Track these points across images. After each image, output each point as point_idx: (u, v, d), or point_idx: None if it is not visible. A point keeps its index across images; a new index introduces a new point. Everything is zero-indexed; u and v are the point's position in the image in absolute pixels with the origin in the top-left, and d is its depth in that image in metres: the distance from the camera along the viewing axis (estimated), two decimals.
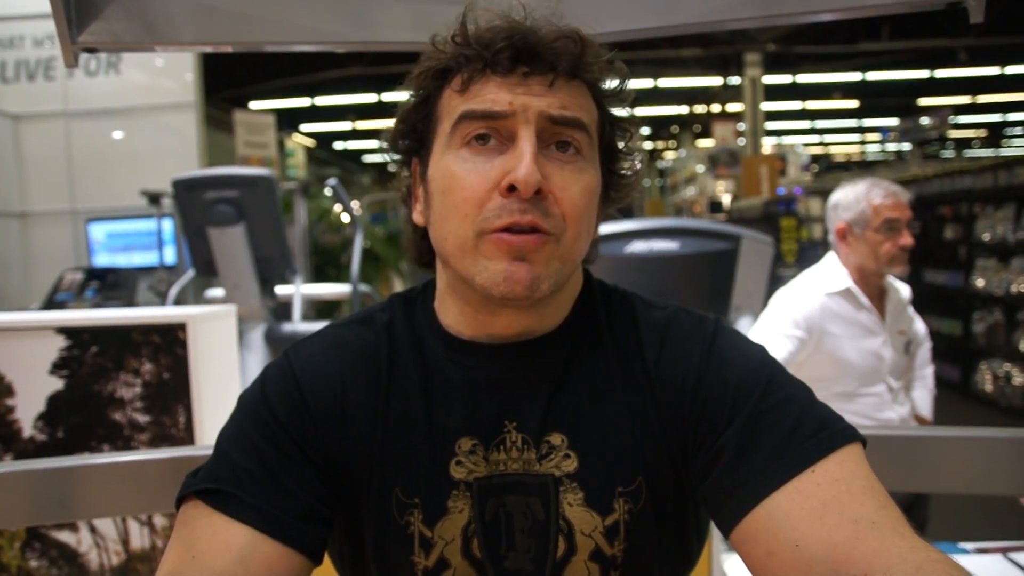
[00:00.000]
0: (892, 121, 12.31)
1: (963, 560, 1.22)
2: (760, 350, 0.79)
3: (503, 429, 0.76)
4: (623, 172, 0.82)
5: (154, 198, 4.33)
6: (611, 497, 0.75)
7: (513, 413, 0.77)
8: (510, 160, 0.69)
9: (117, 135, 5.50)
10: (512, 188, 0.68)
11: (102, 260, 4.87)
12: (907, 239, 2.15)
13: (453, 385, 0.78)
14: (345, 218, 5.92)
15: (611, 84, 0.78)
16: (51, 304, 4.23)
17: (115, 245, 4.92)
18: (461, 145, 0.72)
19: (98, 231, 4.93)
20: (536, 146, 0.70)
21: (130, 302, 4.34)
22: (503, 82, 0.71)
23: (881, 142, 16.40)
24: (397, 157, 0.82)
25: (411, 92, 0.78)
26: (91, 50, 1.01)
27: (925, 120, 9.80)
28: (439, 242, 0.75)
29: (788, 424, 0.70)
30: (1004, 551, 1.27)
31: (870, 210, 2.15)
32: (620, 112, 0.79)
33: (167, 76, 5.50)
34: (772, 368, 0.76)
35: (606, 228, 2.14)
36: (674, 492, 0.77)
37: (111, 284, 4.37)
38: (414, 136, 0.78)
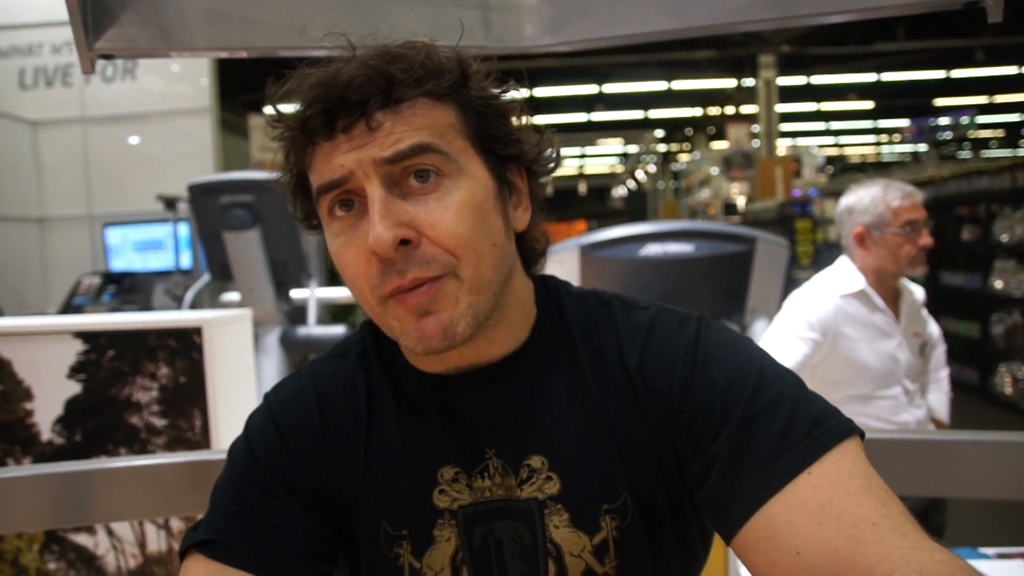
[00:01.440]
0: (907, 122, 12.24)
1: (984, 565, 1.21)
2: (747, 344, 0.76)
3: (484, 456, 0.76)
4: (521, 151, 0.75)
5: (170, 202, 4.36)
6: (597, 515, 0.74)
7: (491, 439, 0.76)
8: (369, 224, 0.66)
9: (134, 140, 5.54)
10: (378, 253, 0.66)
11: (119, 264, 4.91)
12: (927, 239, 2.14)
13: (428, 416, 0.77)
14: None
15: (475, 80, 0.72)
16: (69, 308, 4.26)
17: (132, 249, 4.96)
18: (330, 220, 0.70)
19: (115, 235, 4.96)
20: (385, 198, 0.66)
21: (147, 306, 4.37)
22: (331, 146, 0.68)
23: (902, 142, 16.27)
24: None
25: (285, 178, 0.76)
26: (108, 56, 1.02)
27: (944, 120, 9.72)
28: (364, 309, 0.74)
29: (780, 424, 0.67)
30: None
31: (889, 212, 2.13)
32: (489, 92, 0.73)
33: (183, 81, 5.54)
34: (760, 364, 0.72)
35: (621, 231, 2.14)
36: (667, 500, 0.75)
37: (128, 288, 4.40)
38: (311, 216, 0.76)
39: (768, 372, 0.72)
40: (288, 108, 0.72)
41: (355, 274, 0.69)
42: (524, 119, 0.76)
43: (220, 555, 0.71)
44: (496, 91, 0.74)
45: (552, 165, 0.80)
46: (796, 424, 0.67)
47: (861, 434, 0.69)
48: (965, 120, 9.61)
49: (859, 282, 2.17)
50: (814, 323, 2.12)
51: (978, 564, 1.21)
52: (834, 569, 0.61)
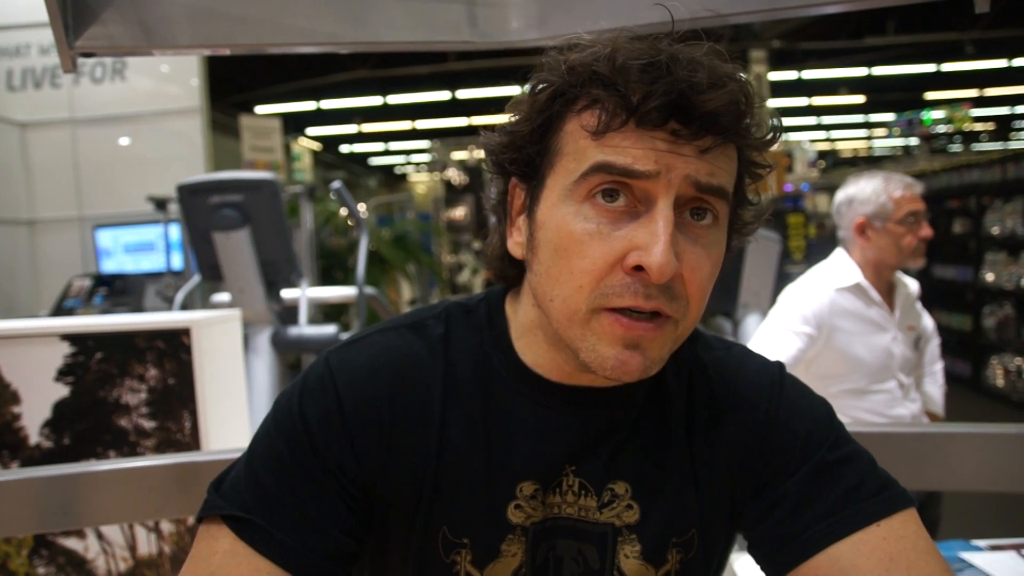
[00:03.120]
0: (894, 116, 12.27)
1: (976, 557, 1.21)
2: (824, 402, 0.78)
3: (562, 472, 0.73)
4: (747, 226, 0.73)
5: (161, 204, 4.33)
6: (666, 548, 0.74)
7: (576, 457, 0.73)
8: (641, 233, 0.61)
9: (124, 141, 5.51)
10: (639, 268, 0.61)
11: (110, 266, 4.88)
12: (927, 230, 2.14)
13: (520, 422, 0.72)
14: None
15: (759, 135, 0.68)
16: (60, 311, 4.24)
17: (123, 251, 4.93)
18: (585, 198, 0.63)
19: (106, 237, 4.94)
20: (673, 220, 0.61)
21: (138, 308, 4.35)
22: (649, 136, 0.61)
23: (890, 136, 16.32)
24: (492, 158, 0.72)
25: (525, 108, 0.69)
26: (89, 55, 1.01)
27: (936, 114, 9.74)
28: (543, 299, 0.67)
29: (854, 479, 0.70)
30: (1018, 548, 1.26)
31: (891, 203, 2.13)
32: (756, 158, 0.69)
33: (173, 82, 5.51)
34: (839, 423, 0.77)
35: None
36: (726, 537, 0.77)
37: (119, 290, 4.38)
38: (522, 161, 0.69)
39: (844, 432, 0.76)
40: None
41: (588, 268, 0.62)
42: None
43: (250, 539, 0.66)
44: (763, 159, 0.70)
45: (742, 240, 0.75)
46: (867, 482, 0.71)
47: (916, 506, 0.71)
48: (933, 115, 9.62)
49: (855, 276, 2.17)
50: (809, 317, 2.12)
51: (971, 556, 1.21)
52: None
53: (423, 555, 0.72)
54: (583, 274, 0.62)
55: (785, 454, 0.73)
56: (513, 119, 0.70)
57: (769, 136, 0.68)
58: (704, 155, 0.62)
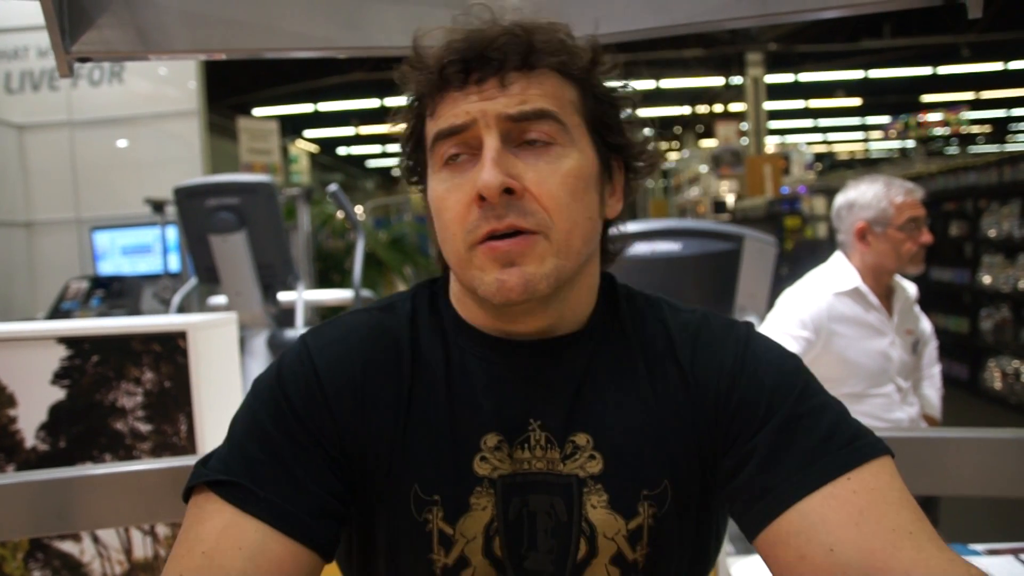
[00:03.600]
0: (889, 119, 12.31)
1: (974, 562, 1.20)
2: (794, 356, 0.79)
3: (528, 427, 0.75)
4: (627, 144, 0.79)
5: (158, 206, 4.33)
6: (636, 500, 0.74)
7: (538, 411, 0.76)
8: (478, 170, 0.69)
9: (121, 144, 5.51)
10: (483, 197, 0.68)
11: (107, 268, 4.88)
12: (927, 236, 2.13)
13: (479, 381, 0.77)
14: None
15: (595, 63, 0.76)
16: (57, 313, 4.23)
17: (120, 253, 4.93)
18: (441, 167, 0.73)
19: (103, 240, 4.93)
20: (500, 148, 0.69)
21: (135, 310, 4.35)
22: (460, 95, 0.71)
23: (886, 139, 16.36)
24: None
25: (402, 125, 0.79)
26: (85, 59, 1.01)
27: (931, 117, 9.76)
28: (447, 258, 0.76)
29: (823, 430, 0.70)
30: (1016, 552, 1.26)
31: (892, 208, 2.12)
32: (611, 83, 0.77)
33: (170, 84, 5.51)
34: (807, 374, 0.76)
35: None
36: (699, 495, 0.76)
37: (116, 292, 4.38)
38: (415, 167, 0.80)
39: (814, 383, 0.75)
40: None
41: (453, 217, 0.71)
42: (635, 117, 0.80)
43: (237, 500, 0.68)
44: (616, 84, 0.78)
45: (650, 169, 0.82)
46: (838, 433, 0.70)
47: (893, 456, 0.71)
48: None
49: (853, 280, 2.17)
50: (807, 321, 2.11)
51: (968, 560, 1.21)
52: (868, 570, 0.62)
53: (397, 515, 0.75)
54: (452, 223, 0.71)
55: (752, 407, 0.73)
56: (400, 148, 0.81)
57: (592, 57, 0.75)
58: (509, 90, 0.70)
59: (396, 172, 0.85)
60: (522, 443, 0.75)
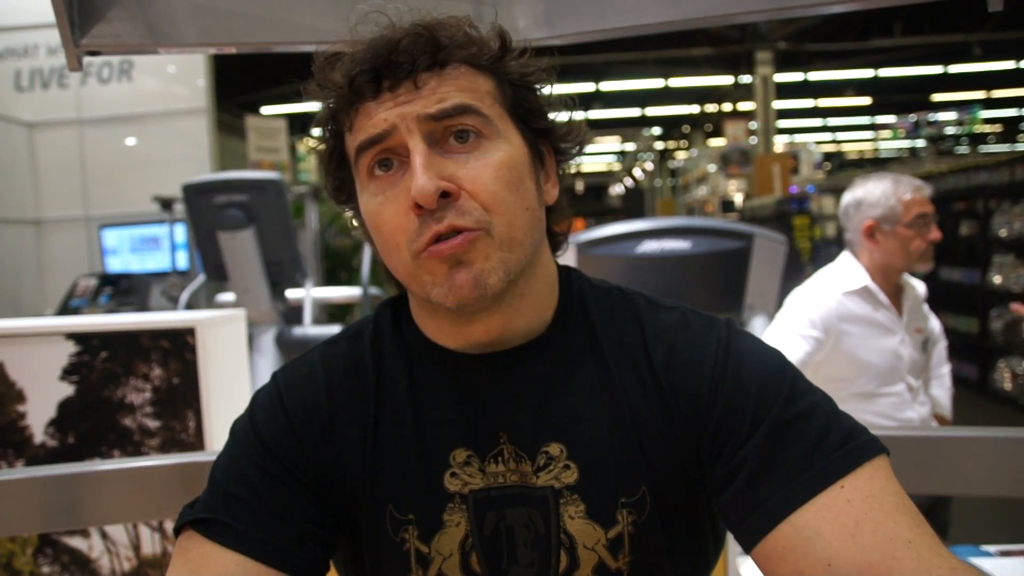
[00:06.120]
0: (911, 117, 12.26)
1: (986, 563, 1.20)
2: (777, 355, 0.76)
3: (499, 440, 0.74)
4: (552, 127, 0.78)
5: (166, 203, 4.34)
6: (614, 509, 0.73)
7: (506, 423, 0.75)
8: (410, 178, 0.68)
9: (130, 141, 5.53)
10: (420, 205, 0.67)
11: (116, 266, 4.89)
12: (936, 233, 2.12)
13: (444, 397, 0.76)
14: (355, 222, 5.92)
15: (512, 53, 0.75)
16: (65, 310, 4.25)
17: (128, 251, 4.94)
18: (368, 180, 0.71)
19: (112, 237, 4.95)
20: (427, 152, 0.68)
21: (143, 307, 4.36)
22: (375, 104, 0.70)
23: (895, 137, 16.29)
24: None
25: (321, 147, 0.78)
26: (95, 53, 1.00)
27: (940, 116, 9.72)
28: (394, 272, 0.75)
29: (813, 435, 0.67)
30: None
31: (900, 206, 2.11)
32: (525, 68, 0.76)
33: (179, 82, 5.52)
34: (793, 374, 0.73)
35: (618, 228, 2.13)
36: (684, 500, 0.74)
37: (125, 290, 4.39)
38: (342, 186, 0.78)
39: (800, 383, 0.73)
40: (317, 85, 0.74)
41: (393, 230, 0.70)
42: (554, 97, 0.79)
43: (217, 536, 0.70)
44: (530, 69, 0.76)
45: (578, 147, 0.81)
46: (829, 436, 0.67)
47: (888, 453, 0.69)
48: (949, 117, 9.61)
49: (862, 278, 2.15)
50: (816, 321, 2.10)
51: (980, 562, 1.20)
52: None
53: (378, 536, 0.75)
54: (392, 235, 0.70)
55: (738, 415, 0.70)
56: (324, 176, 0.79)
57: (499, 44, 0.74)
58: (424, 91, 0.69)
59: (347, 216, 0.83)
60: (494, 457, 0.75)
